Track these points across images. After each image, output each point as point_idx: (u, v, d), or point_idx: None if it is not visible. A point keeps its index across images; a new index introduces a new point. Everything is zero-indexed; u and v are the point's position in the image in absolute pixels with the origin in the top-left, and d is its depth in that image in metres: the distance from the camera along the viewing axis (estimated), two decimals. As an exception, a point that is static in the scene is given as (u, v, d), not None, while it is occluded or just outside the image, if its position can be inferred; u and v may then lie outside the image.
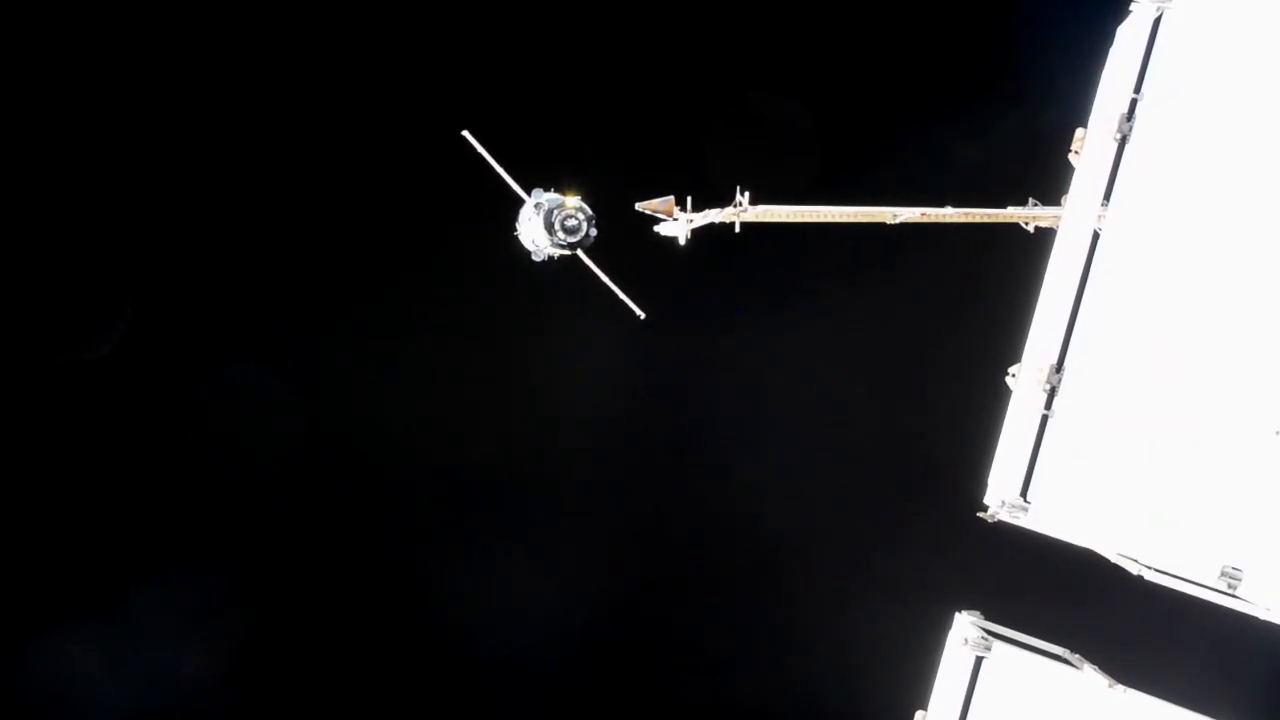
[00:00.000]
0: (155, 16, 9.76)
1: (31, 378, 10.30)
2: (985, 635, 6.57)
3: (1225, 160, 5.78)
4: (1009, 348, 6.37)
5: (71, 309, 10.27)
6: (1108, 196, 6.12)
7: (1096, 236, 6.13)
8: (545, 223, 6.13)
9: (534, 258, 6.26)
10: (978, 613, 6.71)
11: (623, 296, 6.24)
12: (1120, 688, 6.31)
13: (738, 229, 6.34)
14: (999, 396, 6.35)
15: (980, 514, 6.29)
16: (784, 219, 6.33)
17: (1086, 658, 6.45)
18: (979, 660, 6.58)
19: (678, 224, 6.28)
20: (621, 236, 6.19)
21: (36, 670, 10.48)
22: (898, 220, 6.41)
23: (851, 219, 6.37)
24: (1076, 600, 6.69)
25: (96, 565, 10.55)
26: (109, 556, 10.56)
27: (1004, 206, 6.54)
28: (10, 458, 10.37)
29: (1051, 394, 6.11)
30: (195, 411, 10.47)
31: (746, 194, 6.28)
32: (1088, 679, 6.31)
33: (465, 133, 5.98)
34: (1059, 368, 6.12)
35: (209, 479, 10.62)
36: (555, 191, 6.22)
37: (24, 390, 10.28)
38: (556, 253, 6.22)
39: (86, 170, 10.07)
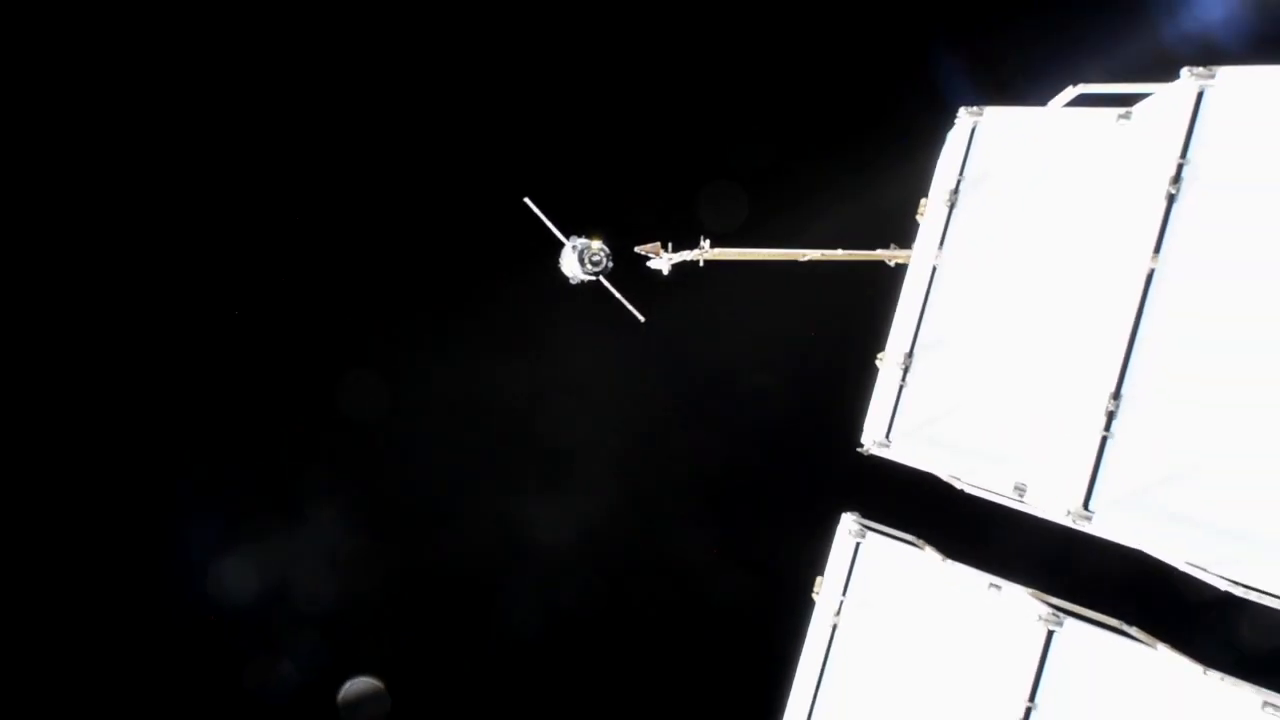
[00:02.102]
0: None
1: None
2: (863, 529, 7.52)
3: (1018, 219, 6.95)
4: (878, 341, 7.49)
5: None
6: (942, 243, 7.37)
7: (935, 269, 7.34)
8: (578, 259, 7.09)
9: (570, 283, 7.25)
10: (857, 514, 7.63)
11: (629, 307, 7.22)
12: (949, 562, 7.03)
13: (701, 264, 7.34)
14: (872, 373, 7.48)
15: (858, 449, 7.40)
16: (732, 258, 7.33)
17: (927, 543, 7.29)
18: (858, 545, 7.55)
19: (661, 261, 7.26)
20: (631, 265, 7.23)
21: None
22: (806, 259, 7.40)
23: (777, 258, 7.38)
24: (921, 506, 7.42)
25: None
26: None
27: (874, 249, 7.55)
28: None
29: (905, 371, 7.33)
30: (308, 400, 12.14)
31: (708, 240, 7.30)
32: (927, 556, 7.19)
33: (526, 199, 6.96)
34: (910, 354, 7.36)
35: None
36: (585, 236, 7.16)
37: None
38: (586, 279, 7.14)
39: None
